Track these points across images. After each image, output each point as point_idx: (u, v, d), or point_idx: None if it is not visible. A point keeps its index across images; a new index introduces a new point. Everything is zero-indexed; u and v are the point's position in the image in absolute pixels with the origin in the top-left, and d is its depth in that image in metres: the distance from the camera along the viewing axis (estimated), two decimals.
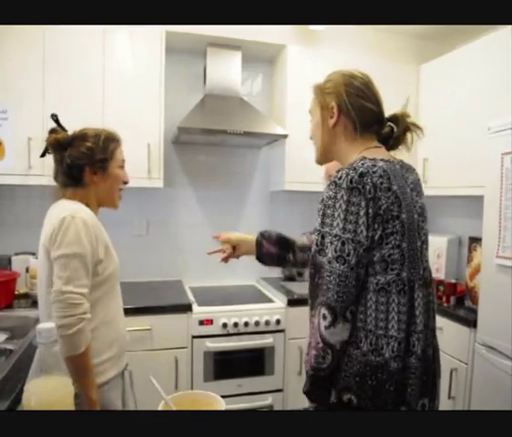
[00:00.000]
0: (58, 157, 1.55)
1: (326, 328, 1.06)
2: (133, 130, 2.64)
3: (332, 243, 1.07)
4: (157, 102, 2.71)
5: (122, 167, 1.65)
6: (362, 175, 1.07)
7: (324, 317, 1.06)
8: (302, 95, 2.97)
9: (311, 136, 1.35)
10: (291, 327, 2.65)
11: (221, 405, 1.01)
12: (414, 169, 1.26)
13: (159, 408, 0.98)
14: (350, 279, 1.05)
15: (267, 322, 2.58)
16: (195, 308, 2.53)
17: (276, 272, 3.23)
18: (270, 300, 2.77)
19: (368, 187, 1.06)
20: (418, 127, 1.26)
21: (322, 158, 1.33)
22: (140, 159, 2.66)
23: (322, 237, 1.09)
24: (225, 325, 2.51)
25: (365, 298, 1.09)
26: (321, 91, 1.27)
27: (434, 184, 2.99)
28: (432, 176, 3.02)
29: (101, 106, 2.59)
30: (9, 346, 1.75)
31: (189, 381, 2.50)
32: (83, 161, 1.52)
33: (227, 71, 2.97)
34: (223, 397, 1.04)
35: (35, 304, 2.34)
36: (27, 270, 2.48)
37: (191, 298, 2.68)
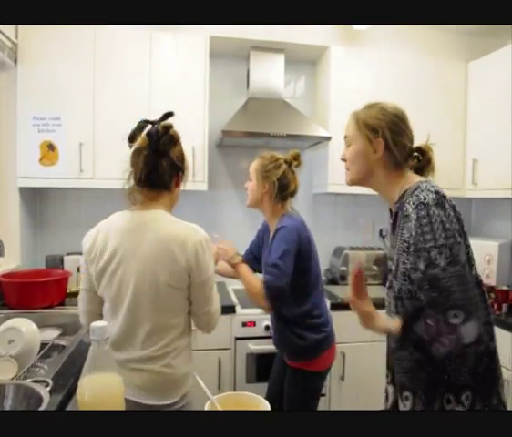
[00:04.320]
0: (159, 155, 1.41)
1: (461, 324, 1.13)
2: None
3: (441, 253, 1.16)
4: (201, 106, 2.76)
5: None
6: (437, 192, 1.21)
7: (455, 316, 1.14)
8: (346, 96, 2.96)
9: (344, 158, 1.43)
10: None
11: (266, 407, 1.02)
12: None
13: (206, 408, 1.00)
14: (467, 276, 1.18)
15: None
16: (238, 309, 2.55)
17: None
18: None
19: (447, 198, 1.21)
20: (433, 163, 1.40)
21: (356, 183, 1.42)
22: None
23: (428, 252, 1.18)
24: (267, 327, 2.51)
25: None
26: (364, 124, 1.36)
27: (484, 186, 2.88)
28: (482, 177, 2.91)
29: (148, 109, 2.66)
30: (62, 342, 1.83)
31: (231, 382, 2.52)
32: (180, 164, 1.47)
33: (270, 74, 2.98)
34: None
35: None
36: (78, 270, 2.59)
37: (234, 299, 2.71)
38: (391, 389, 1.40)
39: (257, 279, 1.90)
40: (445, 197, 1.21)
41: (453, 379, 1.18)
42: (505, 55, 2.71)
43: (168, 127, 1.45)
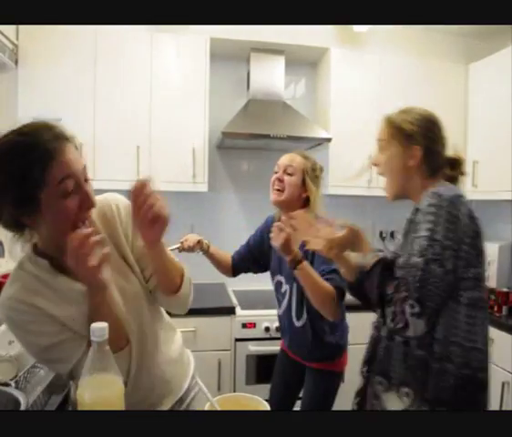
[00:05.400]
0: None
1: (412, 315, 1.11)
2: (179, 135, 2.71)
3: (432, 246, 1.12)
4: (201, 107, 2.76)
5: (68, 193, 0.97)
6: (457, 195, 1.17)
7: (412, 306, 1.11)
8: (346, 97, 2.97)
9: (377, 163, 1.38)
10: None
11: (266, 409, 1.01)
12: None
13: (205, 409, 0.99)
14: (444, 282, 1.12)
15: None
16: (238, 311, 2.55)
17: None
18: None
19: (465, 203, 1.17)
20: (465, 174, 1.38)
21: (397, 194, 1.37)
22: (185, 164, 2.72)
23: (424, 241, 1.14)
24: (267, 329, 2.51)
25: (457, 311, 1.17)
26: (399, 129, 1.32)
27: (484, 188, 2.88)
28: (482, 179, 2.91)
29: (148, 111, 2.68)
30: None
31: (231, 383, 2.52)
32: None
33: (270, 76, 2.98)
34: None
35: None
36: None
37: (235, 301, 2.71)
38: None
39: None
40: (462, 202, 1.17)
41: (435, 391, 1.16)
42: (505, 57, 2.71)
43: None
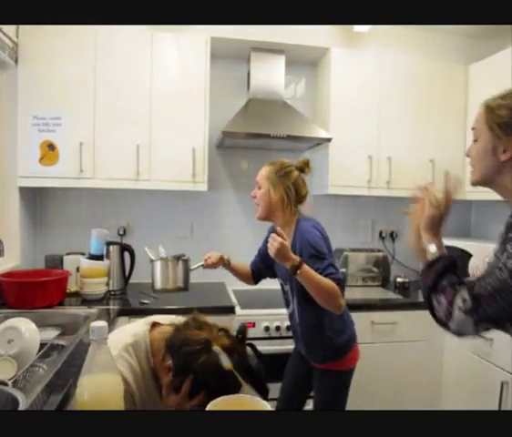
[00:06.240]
0: None
1: (460, 309, 1.07)
2: (179, 134, 2.71)
3: None
4: (202, 107, 2.76)
5: None
6: None
7: (464, 301, 1.07)
8: (346, 97, 2.97)
9: (469, 154, 1.27)
10: None
11: (266, 409, 1.01)
12: None
13: (206, 408, 0.99)
14: None
15: None
16: (238, 310, 2.55)
17: None
18: None
19: None
20: None
21: (479, 184, 1.26)
22: (185, 163, 2.71)
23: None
24: (267, 328, 2.51)
25: None
26: (494, 116, 1.17)
27: (484, 188, 2.87)
28: None
29: (149, 110, 2.67)
30: (61, 342, 1.83)
31: None
32: None
33: (270, 75, 2.98)
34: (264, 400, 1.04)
35: (84, 302, 2.44)
36: (78, 270, 2.58)
37: (234, 300, 2.70)
38: None
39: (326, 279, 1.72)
40: None
41: None
42: (505, 58, 2.71)
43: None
